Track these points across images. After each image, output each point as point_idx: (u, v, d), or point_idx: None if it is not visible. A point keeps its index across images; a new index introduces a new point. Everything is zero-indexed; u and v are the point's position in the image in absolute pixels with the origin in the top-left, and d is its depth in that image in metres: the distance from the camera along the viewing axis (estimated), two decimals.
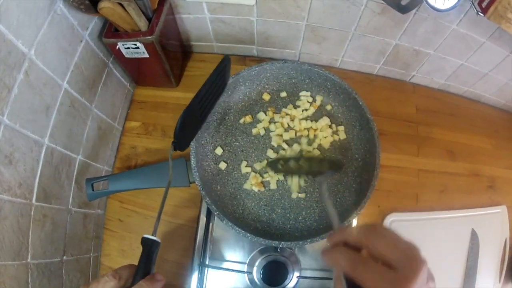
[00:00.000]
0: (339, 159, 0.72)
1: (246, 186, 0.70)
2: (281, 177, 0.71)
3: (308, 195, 0.70)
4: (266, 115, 0.74)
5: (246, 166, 0.71)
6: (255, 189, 0.70)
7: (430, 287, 0.36)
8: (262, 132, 0.73)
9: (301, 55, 0.89)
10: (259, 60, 0.92)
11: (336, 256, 0.37)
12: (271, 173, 0.70)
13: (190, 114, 0.58)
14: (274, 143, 0.72)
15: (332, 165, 0.65)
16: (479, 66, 0.81)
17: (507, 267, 0.80)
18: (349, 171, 0.71)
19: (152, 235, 0.45)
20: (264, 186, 0.70)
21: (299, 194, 0.69)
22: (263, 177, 0.71)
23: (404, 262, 0.34)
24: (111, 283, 0.39)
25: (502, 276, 0.79)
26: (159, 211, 0.50)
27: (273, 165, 0.68)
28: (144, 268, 0.43)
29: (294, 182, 0.70)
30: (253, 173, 0.70)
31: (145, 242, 0.45)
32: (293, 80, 0.74)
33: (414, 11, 0.67)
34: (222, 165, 0.71)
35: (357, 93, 0.69)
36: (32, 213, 0.54)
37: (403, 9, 0.62)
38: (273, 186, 0.70)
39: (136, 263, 0.43)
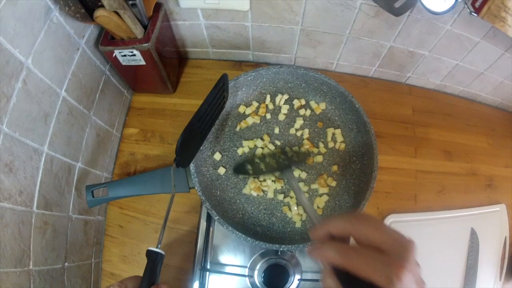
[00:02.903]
0: (303, 151, 0.72)
1: (245, 190, 0.71)
2: (278, 186, 0.71)
3: (308, 198, 0.71)
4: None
5: None
6: (254, 193, 0.70)
7: None
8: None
9: (296, 59, 0.90)
10: (255, 65, 0.92)
11: (325, 250, 0.35)
12: (269, 182, 0.71)
13: (190, 132, 0.59)
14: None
15: (297, 157, 0.68)
16: (475, 65, 0.82)
17: (507, 265, 0.80)
18: (347, 174, 0.72)
19: (157, 247, 0.46)
20: (263, 191, 0.71)
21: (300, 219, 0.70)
22: (261, 182, 0.71)
23: (394, 244, 0.34)
24: None
25: (502, 275, 0.80)
26: (163, 224, 0.51)
27: (239, 169, 0.69)
28: (149, 279, 0.43)
29: (294, 213, 0.70)
30: (251, 178, 0.71)
31: (150, 254, 0.46)
32: (289, 85, 0.75)
33: (407, 13, 0.68)
34: (221, 170, 0.71)
35: (353, 96, 0.69)
36: (33, 220, 0.54)
37: (397, 12, 0.62)
38: (270, 195, 0.71)
39: (137, 269, 0.44)
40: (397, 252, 0.33)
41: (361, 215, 0.37)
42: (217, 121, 0.73)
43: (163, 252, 0.46)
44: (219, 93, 0.63)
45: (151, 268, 0.45)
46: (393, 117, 0.88)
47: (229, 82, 0.69)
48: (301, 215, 0.69)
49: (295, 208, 0.69)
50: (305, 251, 0.73)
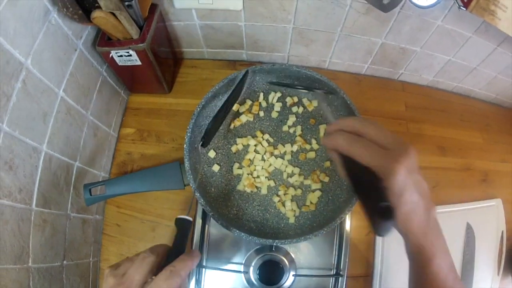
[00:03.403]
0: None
1: (239, 187, 0.72)
2: (272, 183, 0.72)
3: (302, 194, 0.72)
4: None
5: (237, 168, 0.73)
6: (248, 190, 0.71)
7: (432, 214, 0.41)
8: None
9: (290, 57, 0.91)
10: (249, 64, 0.93)
11: (335, 138, 0.42)
12: (262, 178, 0.72)
13: (217, 115, 0.67)
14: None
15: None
16: (467, 61, 0.82)
17: (505, 260, 0.80)
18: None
19: (186, 215, 0.47)
20: (257, 187, 0.72)
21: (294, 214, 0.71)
22: (255, 179, 0.72)
23: (395, 143, 0.39)
24: (151, 258, 0.40)
25: (500, 270, 0.79)
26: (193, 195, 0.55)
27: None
28: (179, 246, 0.44)
29: (288, 209, 0.71)
30: (245, 175, 0.72)
31: (179, 222, 0.47)
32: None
33: (398, 9, 0.69)
34: (216, 168, 0.72)
35: (345, 93, 0.70)
36: (32, 218, 0.55)
37: (386, 8, 0.63)
38: (264, 191, 0.72)
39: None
40: (397, 151, 0.38)
41: (370, 119, 0.42)
42: (210, 120, 0.74)
43: (191, 219, 0.47)
44: (239, 85, 0.70)
45: (181, 235, 0.46)
46: (386, 113, 0.89)
47: (223, 81, 0.70)
48: (294, 211, 0.70)
49: (289, 204, 0.70)
50: (299, 247, 0.74)
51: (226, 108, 0.68)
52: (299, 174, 0.73)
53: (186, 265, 0.41)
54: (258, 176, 0.72)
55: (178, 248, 0.44)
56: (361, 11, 0.71)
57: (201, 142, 0.66)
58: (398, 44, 0.80)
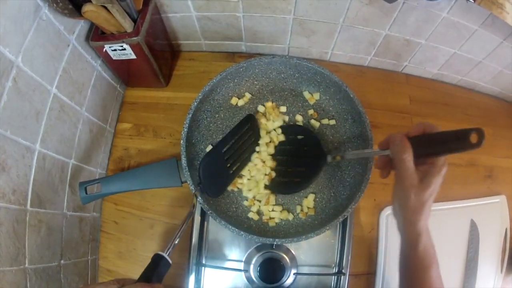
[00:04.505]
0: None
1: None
2: (266, 182, 0.70)
3: (302, 192, 0.70)
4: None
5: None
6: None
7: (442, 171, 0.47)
8: None
9: (290, 49, 0.89)
10: (248, 56, 0.91)
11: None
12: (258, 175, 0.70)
13: (212, 163, 0.63)
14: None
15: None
16: (472, 54, 0.80)
17: (508, 257, 0.79)
18: (343, 165, 0.71)
19: (164, 252, 0.44)
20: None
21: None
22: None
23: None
24: (113, 286, 0.39)
25: (504, 267, 0.79)
26: (176, 233, 0.49)
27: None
28: (143, 279, 0.41)
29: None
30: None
31: (156, 257, 0.44)
32: (282, 75, 0.74)
33: (402, 0, 0.67)
34: None
35: (348, 86, 0.68)
36: (27, 218, 0.55)
37: None
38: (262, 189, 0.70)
39: (133, 265, 0.44)
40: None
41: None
42: (208, 114, 0.73)
43: (169, 260, 0.44)
44: (247, 130, 0.68)
45: (150, 270, 0.43)
46: (390, 107, 0.87)
47: (220, 74, 0.68)
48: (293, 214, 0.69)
49: (285, 213, 0.69)
50: (300, 245, 0.73)
51: (230, 153, 0.66)
52: None
53: None
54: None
55: (144, 278, 0.41)
56: (364, 1, 0.69)
57: (199, 188, 0.61)
58: (402, 36, 0.78)
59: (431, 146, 0.47)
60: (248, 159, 0.69)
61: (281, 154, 0.70)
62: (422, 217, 0.46)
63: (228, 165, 0.66)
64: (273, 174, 0.69)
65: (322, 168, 0.67)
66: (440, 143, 0.46)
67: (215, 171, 0.64)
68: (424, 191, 0.46)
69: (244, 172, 0.69)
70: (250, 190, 0.69)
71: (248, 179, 0.69)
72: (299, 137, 0.71)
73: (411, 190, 0.46)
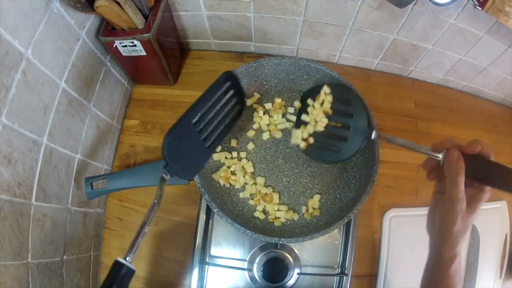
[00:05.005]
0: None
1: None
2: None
3: (308, 191, 0.70)
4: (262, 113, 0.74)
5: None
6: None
7: None
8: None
9: (299, 51, 0.89)
10: (257, 56, 0.91)
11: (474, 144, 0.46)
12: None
13: (181, 138, 0.52)
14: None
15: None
16: (478, 60, 0.81)
17: (508, 263, 0.80)
18: (348, 167, 0.71)
19: (125, 258, 0.39)
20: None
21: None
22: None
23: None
24: None
25: (503, 273, 0.79)
26: (138, 231, 0.45)
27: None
28: None
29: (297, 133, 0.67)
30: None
31: (114, 266, 0.39)
32: (291, 76, 0.74)
33: (411, 5, 0.67)
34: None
35: (356, 89, 0.68)
36: (31, 212, 0.54)
37: (401, 3, 0.62)
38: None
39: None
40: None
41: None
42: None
43: (133, 268, 0.38)
44: (223, 93, 0.57)
45: (109, 284, 0.38)
46: (395, 110, 0.88)
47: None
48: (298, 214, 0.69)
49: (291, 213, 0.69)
50: (304, 245, 0.73)
51: (204, 122, 0.55)
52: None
53: None
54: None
55: None
56: (373, 5, 0.69)
57: (166, 170, 0.51)
58: (410, 41, 0.78)
59: (485, 174, 0.45)
60: (229, 128, 0.60)
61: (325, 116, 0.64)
62: (462, 241, 0.44)
63: (203, 138, 0.56)
64: (311, 140, 0.65)
65: (364, 142, 0.61)
66: (497, 177, 0.44)
67: (186, 148, 0.53)
68: (470, 216, 0.44)
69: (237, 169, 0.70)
70: (244, 186, 0.70)
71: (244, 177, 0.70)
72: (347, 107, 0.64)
73: (459, 214, 0.43)
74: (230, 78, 0.58)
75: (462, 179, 0.43)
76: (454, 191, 0.43)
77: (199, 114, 0.54)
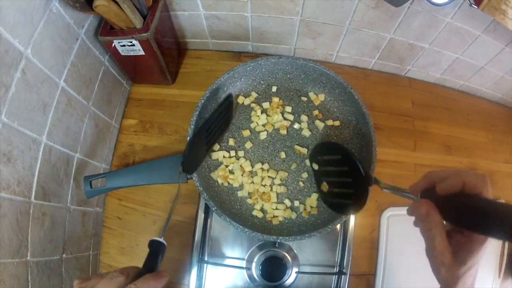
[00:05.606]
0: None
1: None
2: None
3: (306, 190, 0.71)
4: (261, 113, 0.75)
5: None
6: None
7: None
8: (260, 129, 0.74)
9: (296, 50, 0.89)
10: (254, 56, 0.92)
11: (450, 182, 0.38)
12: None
13: (197, 141, 0.64)
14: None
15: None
16: (475, 59, 0.81)
17: (506, 262, 0.80)
18: None
19: (160, 237, 0.47)
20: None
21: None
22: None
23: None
24: (120, 278, 0.38)
25: (501, 272, 0.79)
26: (168, 216, 0.54)
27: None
28: (149, 268, 0.43)
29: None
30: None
31: (152, 244, 0.46)
32: (288, 76, 0.75)
33: (408, 4, 0.67)
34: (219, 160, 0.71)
35: (353, 88, 0.69)
36: (31, 211, 0.55)
37: (397, 2, 0.62)
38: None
39: (135, 261, 0.44)
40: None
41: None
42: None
43: (165, 243, 0.46)
44: (225, 110, 0.69)
45: (153, 258, 0.45)
46: (392, 109, 0.88)
47: (228, 72, 0.69)
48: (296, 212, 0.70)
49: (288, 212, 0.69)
50: (303, 244, 0.73)
51: (210, 131, 0.66)
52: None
53: (148, 285, 0.39)
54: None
55: (148, 271, 0.42)
56: (370, 5, 0.70)
57: (182, 167, 0.62)
58: (406, 40, 0.79)
59: (466, 219, 0.36)
60: (221, 135, 0.71)
61: (326, 175, 0.66)
62: (460, 285, 0.37)
63: (206, 141, 0.67)
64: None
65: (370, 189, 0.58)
66: (481, 221, 0.34)
67: (196, 149, 0.65)
68: (457, 268, 0.36)
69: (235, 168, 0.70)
70: (242, 185, 0.70)
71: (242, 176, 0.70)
72: (334, 157, 0.64)
73: (441, 267, 0.37)
74: (229, 97, 0.71)
75: (437, 233, 0.37)
76: (429, 246, 0.38)
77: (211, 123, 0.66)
